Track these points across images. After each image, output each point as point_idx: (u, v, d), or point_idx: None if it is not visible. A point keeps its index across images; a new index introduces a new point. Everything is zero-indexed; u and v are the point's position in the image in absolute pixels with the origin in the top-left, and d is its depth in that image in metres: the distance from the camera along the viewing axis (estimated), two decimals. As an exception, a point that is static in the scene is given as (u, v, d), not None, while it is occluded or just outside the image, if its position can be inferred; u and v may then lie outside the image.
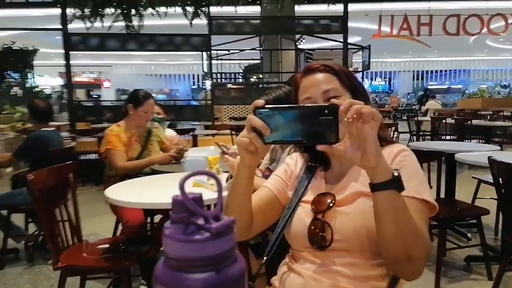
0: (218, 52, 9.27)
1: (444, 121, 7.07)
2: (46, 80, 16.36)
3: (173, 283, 0.38)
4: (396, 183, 0.80)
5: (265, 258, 1.08)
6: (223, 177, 1.95)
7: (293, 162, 1.18)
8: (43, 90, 14.36)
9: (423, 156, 2.67)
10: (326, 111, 0.74)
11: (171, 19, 6.54)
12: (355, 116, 0.74)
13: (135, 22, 6.58)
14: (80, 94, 20.87)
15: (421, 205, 0.92)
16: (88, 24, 6.45)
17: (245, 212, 0.99)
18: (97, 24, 6.61)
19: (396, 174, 0.80)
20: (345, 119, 0.74)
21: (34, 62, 10.89)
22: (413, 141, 7.88)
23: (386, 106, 19.13)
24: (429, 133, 7.75)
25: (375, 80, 24.87)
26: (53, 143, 2.91)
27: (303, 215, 1.03)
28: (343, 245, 0.96)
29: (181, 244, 0.38)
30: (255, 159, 0.86)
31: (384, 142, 1.03)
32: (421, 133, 8.11)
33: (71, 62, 6.58)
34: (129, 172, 2.54)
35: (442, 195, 3.28)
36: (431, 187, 2.70)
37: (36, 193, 1.70)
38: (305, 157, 1.17)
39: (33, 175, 1.70)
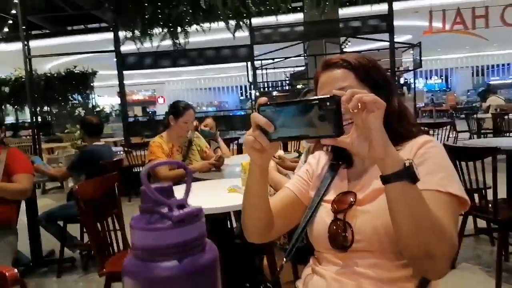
0: (263, 61, 9.35)
1: (506, 117, 6.55)
2: (105, 100, 17.50)
3: (139, 273, 0.38)
4: (407, 174, 0.75)
5: (284, 259, 1.06)
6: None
7: (315, 161, 1.16)
8: (104, 109, 15.35)
9: (476, 154, 2.50)
10: (328, 103, 0.72)
11: (215, 34, 6.74)
12: (359, 106, 0.71)
13: (181, 39, 6.86)
14: (138, 111, 22.06)
15: (446, 199, 0.85)
16: (139, 45, 6.83)
17: (261, 213, 0.97)
18: (147, 44, 6.99)
19: (407, 164, 0.75)
20: (350, 110, 0.72)
21: (94, 83, 11.69)
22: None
23: (443, 105, 18.13)
24: (491, 131, 7.21)
25: (430, 78, 23.72)
26: (103, 157, 3.09)
27: (324, 215, 1.00)
28: (364, 246, 0.92)
29: (143, 233, 0.38)
30: (263, 157, 0.84)
31: (407, 136, 0.97)
32: (482, 131, 7.57)
33: (126, 81, 6.98)
34: (171, 181, 2.62)
35: (503, 196, 3.04)
36: (488, 187, 2.50)
37: (81, 203, 1.80)
38: (329, 155, 1.13)
39: (78, 186, 1.80)
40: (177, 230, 0.38)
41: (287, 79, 13.25)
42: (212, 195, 1.99)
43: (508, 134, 6.72)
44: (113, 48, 6.83)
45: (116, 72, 6.75)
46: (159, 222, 0.38)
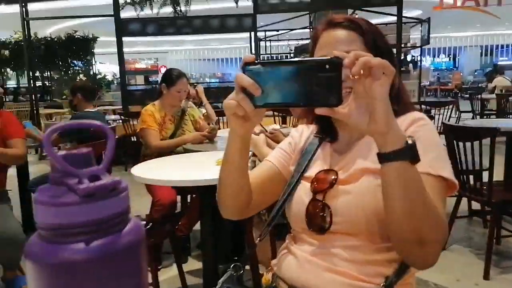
0: (267, 33, 9.13)
1: (511, 98, 6.42)
2: (107, 67, 17.30)
3: (41, 256, 0.32)
4: (410, 153, 0.68)
5: (258, 239, 1.01)
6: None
7: (298, 134, 1.08)
8: (105, 77, 15.20)
9: (475, 134, 2.43)
10: (327, 66, 0.62)
11: (218, 2, 6.54)
12: (362, 71, 0.62)
13: (182, 6, 6.67)
14: (140, 79, 21.83)
15: (437, 182, 0.80)
16: (138, 10, 6.65)
17: (239, 188, 0.90)
18: (147, 10, 6.80)
19: (410, 142, 0.68)
20: (351, 76, 0.63)
21: (95, 50, 11.50)
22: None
23: (449, 84, 17.84)
24: (495, 112, 7.10)
25: (438, 56, 23.26)
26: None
27: (303, 194, 0.94)
28: (344, 227, 0.87)
29: (45, 208, 0.32)
30: (247, 126, 0.74)
31: (399, 113, 0.89)
32: (486, 112, 7.45)
33: (128, 49, 6.83)
34: (162, 151, 2.57)
35: (500, 178, 2.99)
36: (484, 170, 2.45)
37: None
38: (312, 128, 1.06)
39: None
40: (85, 206, 0.32)
41: (291, 52, 12.99)
42: (201, 167, 1.95)
43: (511, 116, 6.61)
44: (113, 13, 6.65)
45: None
46: (64, 196, 0.32)
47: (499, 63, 19.48)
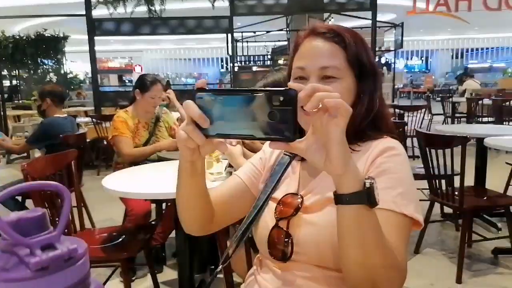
0: (244, 34, 9.09)
1: (481, 102, 6.63)
2: (79, 66, 16.81)
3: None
4: (367, 197, 0.63)
5: (220, 266, 0.96)
6: (222, 164, 1.86)
7: (269, 149, 1.01)
8: (77, 76, 14.77)
9: (447, 141, 2.48)
10: (281, 98, 0.57)
11: (194, 2, 6.46)
12: (320, 106, 0.57)
13: (157, 6, 6.55)
14: (113, 79, 21.38)
15: (399, 220, 0.75)
16: (111, 9, 6.49)
17: (197, 208, 0.84)
18: (121, 9, 6.65)
19: (368, 185, 0.63)
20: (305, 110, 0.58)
21: (65, 48, 11.15)
22: (448, 124, 7.48)
23: (422, 87, 18.30)
24: (466, 115, 7.31)
25: (411, 59, 23.82)
26: (65, 130, 2.92)
27: (268, 218, 0.89)
28: (305, 258, 0.83)
29: (-7, 283, 0.29)
30: (197, 154, 0.68)
31: (378, 134, 0.86)
32: (456, 115, 7.67)
33: (101, 47, 6.66)
34: (136, 159, 2.51)
35: (471, 183, 3.07)
36: (456, 175, 2.50)
37: (30, 181, 1.68)
38: None
39: (27, 165, 1.67)
40: (38, 281, 0.28)
41: (268, 53, 13.00)
42: (174, 177, 1.90)
43: (481, 119, 6.82)
44: (84, 12, 6.46)
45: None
46: (15, 269, 0.29)
47: (469, 65, 20.16)
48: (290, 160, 0.96)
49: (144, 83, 2.63)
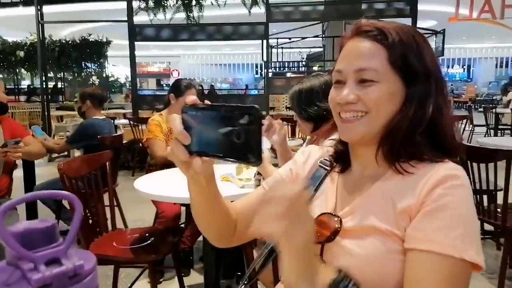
0: (279, 40, 9.11)
1: (527, 113, 6.27)
2: (120, 70, 17.44)
3: None
4: None
5: (244, 284, 0.91)
6: (251, 171, 1.85)
7: (302, 159, 0.93)
8: (118, 79, 15.33)
9: (490, 155, 2.35)
10: (247, 117, 0.54)
11: (231, 9, 6.53)
12: None
13: (195, 12, 6.68)
14: (152, 83, 22.00)
15: (459, 267, 0.64)
16: (152, 16, 6.68)
17: (215, 222, 0.80)
18: (160, 16, 6.83)
19: None
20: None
21: (108, 53, 11.61)
22: (490, 135, 7.12)
23: (463, 96, 17.59)
24: (510, 127, 6.94)
25: (452, 67, 22.97)
26: (102, 131, 3.01)
27: None
28: None
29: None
30: (192, 170, 0.64)
31: (437, 155, 0.72)
32: (500, 127, 7.29)
33: (141, 52, 6.87)
34: (168, 162, 2.54)
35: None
36: (499, 190, 2.36)
37: (67, 182, 1.73)
38: (322, 151, 0.91)
39: (64, 164, 1.73)
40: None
41: (303, 59, 12.95)
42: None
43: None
44: (126, 18, 6.68)
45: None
46: (16, 285, 0.28)
47: (515, 75, 19.18)
48: (326, 173, 0.87)
49: (179, 88, 2.66)
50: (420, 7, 6.48)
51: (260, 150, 0.54)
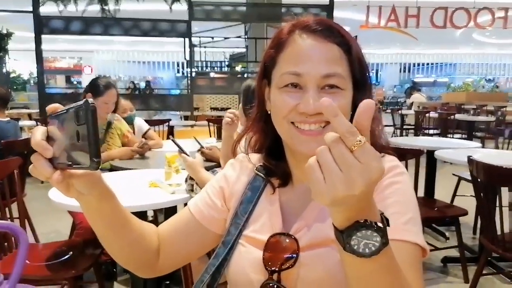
0: (202, 39, 9.01)
1: (427, 115, 7.01)
2: (22, 65, 15.80)
3: None
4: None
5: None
6: (182, 176, 1.78)
7: (234, 174, 0.82)
8: (20, 76, 13.93)
9: (402, 154, 2.56)
10: (82, 112, 0.48)
11: (150, 3, 6.29)
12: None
13: (111, 5, 6.32)
14: (61, 80, 20.34)
15: (413, 250, 0.62)
16: (61, 7, 6.16)
17: (126, 249, 0.70)
18: (72, 7, 6.34)
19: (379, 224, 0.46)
20: None
21: (8, 46, 10.46)
22: (397, 135, 7.83)
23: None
24: (413, 127, 7.70)
25: (362, 71, 24.79)
26: (7, 135, 2.70)
27: (247, 265, 0.71)
28: None
29: None
30: (73, 189, 0.57)
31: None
32: (404, 126, 8.05)
33: (48, 46, 6.29)
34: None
35: (421, 194, 3.19)
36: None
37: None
38: (257, 158, 0.81)
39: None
40: None
41: (226, 60, 12.99)
42: (129, 189, 1.78)
43: (427, 131, 7.21)
44: (31, 9, 6.08)
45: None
46: None
47: (416, 79, 21.36)
48: (264, 184, 0.77)
49: (98, 87, 2.48)
50: (335, 13, 6.89)
51: (95, 150, 0.47)
